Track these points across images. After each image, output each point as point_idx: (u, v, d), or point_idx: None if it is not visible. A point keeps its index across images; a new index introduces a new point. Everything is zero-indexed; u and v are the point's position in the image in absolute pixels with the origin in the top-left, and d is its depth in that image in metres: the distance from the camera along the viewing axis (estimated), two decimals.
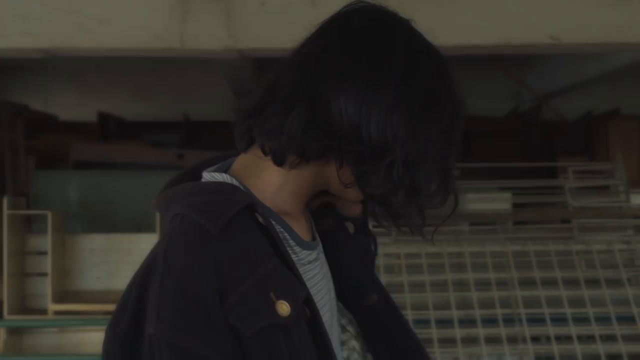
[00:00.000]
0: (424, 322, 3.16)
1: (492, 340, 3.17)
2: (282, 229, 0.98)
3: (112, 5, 3.94)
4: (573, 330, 3.13)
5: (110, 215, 5.00)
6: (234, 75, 6.74)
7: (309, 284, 0.97)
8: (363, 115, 0.92)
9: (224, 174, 1.00)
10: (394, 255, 3.45)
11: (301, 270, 0.97)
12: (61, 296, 4.55)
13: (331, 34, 0.98)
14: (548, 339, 3.16)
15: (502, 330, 3.13)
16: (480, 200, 4.22)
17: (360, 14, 0.99)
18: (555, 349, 3.09)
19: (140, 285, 0.89)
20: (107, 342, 0.93)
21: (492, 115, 7.06)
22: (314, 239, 1.06)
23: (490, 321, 3.19)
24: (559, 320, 3.21)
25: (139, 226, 4.82)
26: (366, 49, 0.95)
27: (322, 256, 1.06)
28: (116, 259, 4.67)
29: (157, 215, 4.40)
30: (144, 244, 4.59)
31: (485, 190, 4.23)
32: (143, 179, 4.97)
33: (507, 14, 3.88)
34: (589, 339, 3.21)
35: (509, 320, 3.19)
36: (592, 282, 3.32)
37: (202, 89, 7.85)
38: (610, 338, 3.21)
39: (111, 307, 3.94)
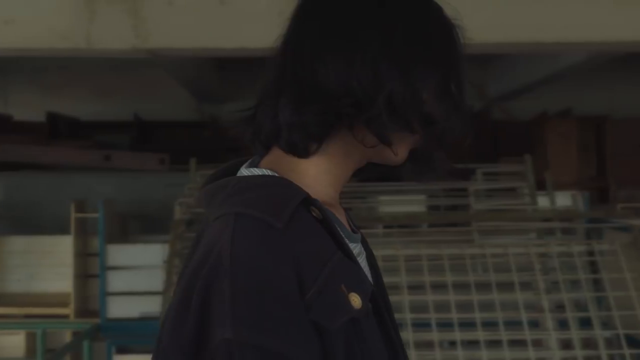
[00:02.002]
0: None
1: None
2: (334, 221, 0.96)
3: (17, 6, 3.91)
4: (458, 335, 3.07)
5: (35, 216, 4.96)
6: (183, 75, 6.71)
7: None
8: (349, 69, 0.91)
9: (263, 169, 0.96)
10: None
11: None
12: None
13: (304, 16, 0.99)
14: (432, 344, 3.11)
15: None
16: (396, 203, 4.17)
17: None
18: (438, 355, 3.03)
19: (203, 289, 0.83)
20: (164, 350, 0.87)
21: None
22: (354, 231, 1.03)
23: None
24: (446, 325, 3.15)
25: (64, 228, 4.78)
26: (338, 11, 0.95)
27: (363, 249, 1.04)
28: (38, 262, 4.62)
29: (74, 218, 4.37)
30: (66, 245, 4.55)
31: (404, 192, 4.18)
32: (69, 180, 4.93)
33: None
34: (474, 344, 3.15)
35: None
36: (485, 287, 3.26)
37: (163, 89, 7.82)
38: (495, 343, 3.15)
39: (31, 310, 3.82)
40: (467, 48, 1.00)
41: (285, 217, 0.85)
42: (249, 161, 1.01)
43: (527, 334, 3.08)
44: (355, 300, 0.86)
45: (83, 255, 4.50)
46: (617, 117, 6.19)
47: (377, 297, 0.94)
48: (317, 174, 0.97)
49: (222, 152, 7.49)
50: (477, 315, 3.12)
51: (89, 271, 4.51)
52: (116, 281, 4.05)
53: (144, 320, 3.89)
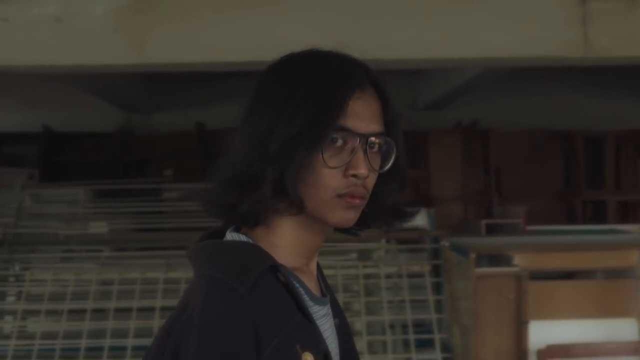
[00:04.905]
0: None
1: None
2: (298, 285, 1.04)
3: None
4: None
5: None
6: (92, 88, 6.67)
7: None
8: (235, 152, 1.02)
9: (240, 235, 1.06)
10: None
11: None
12: None
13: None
14: None
15: None
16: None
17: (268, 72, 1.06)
18: None
19: (176, 339, 0.95)
20: None
21: None
22: (323, 295, 1.11)
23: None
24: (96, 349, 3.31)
25: None
26: (253, 98, 1.04)
27: (330, 311, 1.11)
28: None
29: None
30: None
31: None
32: None
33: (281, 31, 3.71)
34: None
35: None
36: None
37: (92, 100, 7.73)
38: None
39: None
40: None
41: (249, 284, 0.95)
42: (234, 226, 1.08)
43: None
44: (308, 359, 0.95)
45: None
46: (513, 129, 6.14)
47: (330, 357, 1.02)
48: (286, 245, 1.05)
49: (134, 164, 7.45)
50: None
51: None
52: None
53: None
